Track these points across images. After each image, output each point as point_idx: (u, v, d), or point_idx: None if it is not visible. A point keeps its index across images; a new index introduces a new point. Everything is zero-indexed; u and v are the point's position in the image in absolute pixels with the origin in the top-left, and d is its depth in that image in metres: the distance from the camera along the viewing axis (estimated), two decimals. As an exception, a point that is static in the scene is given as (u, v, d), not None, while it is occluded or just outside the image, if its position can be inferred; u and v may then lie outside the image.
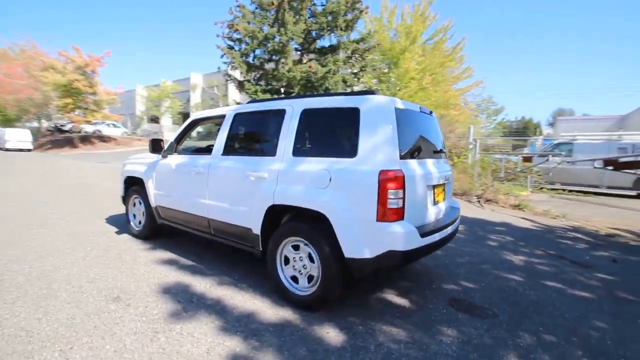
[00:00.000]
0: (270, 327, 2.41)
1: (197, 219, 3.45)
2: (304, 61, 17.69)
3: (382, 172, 2.25)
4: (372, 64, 16.79)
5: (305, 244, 2.61)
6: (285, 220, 2.92)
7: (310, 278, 2.63)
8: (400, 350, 2.20)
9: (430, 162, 2.78)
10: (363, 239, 2.31)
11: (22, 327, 2.30)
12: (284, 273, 2.77)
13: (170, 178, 3.78)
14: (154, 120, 35.45)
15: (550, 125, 61.84)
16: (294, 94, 16.31)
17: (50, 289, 2.87)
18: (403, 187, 2.27)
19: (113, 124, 25.86)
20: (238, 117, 3.29)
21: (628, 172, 7.87)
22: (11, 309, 2.53)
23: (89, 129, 23.22)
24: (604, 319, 2.74)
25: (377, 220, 2.26)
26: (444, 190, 2.97)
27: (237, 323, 2.45)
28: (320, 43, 18.05)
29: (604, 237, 5.47)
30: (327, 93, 3.06)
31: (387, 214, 2.24)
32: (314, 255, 2.56)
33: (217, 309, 2.65)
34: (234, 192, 3.07)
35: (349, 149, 2.45)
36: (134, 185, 4.44)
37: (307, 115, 2.76)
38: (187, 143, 4.33)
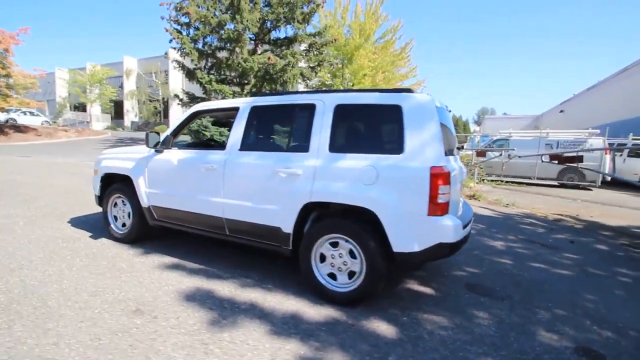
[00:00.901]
0: (321, 327, 2.37)
1: (209, 219, 3.21)
2: (259, 51, 17.21)
3: (433, 168, 2.34)
4: (329, 59, 16.92)
5: (346, 241, 2.61)
6: (313, 218, 2.86)
7: (351, 274, 2.63)
8: (451, 336, 2.34)
9: (458, 158, 2.95)
10: (413, 233, 2.39)
11: (39, 356, 1.95)
12: (320, 271, 2.73)
13: (171, 175, 3.44)
14: (79, 108, 31.57)
15: (476, 123, 68.83)
16: (250, 85, 15.77)
17: (48, 307, 2.46)
18: (449, 183, 2.39)
19: (30, 112, 22.37)
20: (256, 111, 3.11)
21: (571, 165, 9.16)
22: (11, 335, 2.12)
23: (0, 117, 19.75)
24: (590, 292, 3.21)
25: (428, 214, 2.35)
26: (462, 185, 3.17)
27: (285, 325, 2.37)
28: (274, 34, 17.69)
29: (553, 222, 6.32)
30: (358, 90, 3.04)
31: (437, 208, 2.35)
32: (357, 251, 2.57)
33: (256, 312, 2.52)
34: (259, 190, 2.92)
35: (394, 146, 2.49)
36: (114, 184, 3.96)
37: (341, 111, 2.72)
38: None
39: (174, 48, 14.99)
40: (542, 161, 10.31)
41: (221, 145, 3.21)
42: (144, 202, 3.62)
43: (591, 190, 11.53)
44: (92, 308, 2.47)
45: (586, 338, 2.42)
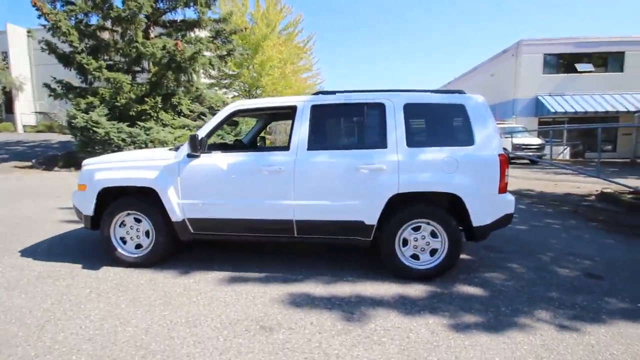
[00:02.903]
0: (433, 300, 2.71)
1: (274, 223, 3.07)
2: (151, 35, 15.24)
3: (500, 155, 2.91)
4: (240, 49, 16.21)
5: (427, 223, 2.98)
6: (385, 206, 3.05)
7: (432, 252, 3.03)
8: (517, 284, 3.00)
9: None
10: (487, 209, 2.93)
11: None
12: (404, 254, 3.04)
13: (217, 182, 3.09)
14: None
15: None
16: (151, 73, 13.85)
17: (158, 352, 2.07)
18: (509, 166, 3.02)
19: None
20: (318, 110, 3.10)
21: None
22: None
23: None
24: (549, 238, 4.43)
25: (499, 193, 2.93)
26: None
27: (405, 306, 2.61)
28: (170, 16, 15.89)
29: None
30: (417, 90, 3.32)
31: (504, 187, 2.95)
32: (438, 231, 2.98)
33: (370, 302, 2.67)
34: (338, 188, 2.98)
35: (466, 139, 2.96)
36: (119, 199, 3.29)
37: (410, 110, 3.03)
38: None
39: (43, 26, 11.88)
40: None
41: (248, 146, 3.07)
42: (177, 215, 3.15)
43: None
44: (212, 338, 2.19)
45: (580, 267, 3.45)
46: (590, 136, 18.55)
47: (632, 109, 16.41)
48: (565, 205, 6.52)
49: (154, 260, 3.29)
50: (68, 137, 18.76)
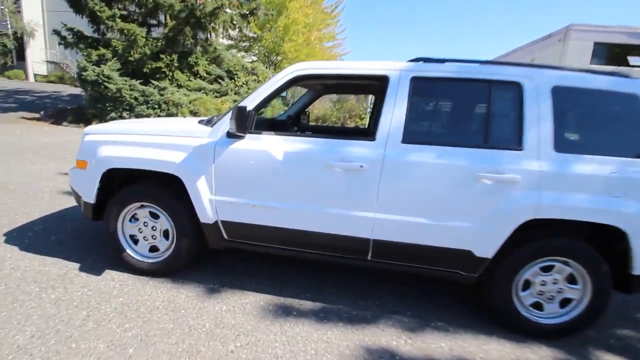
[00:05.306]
0: (577, 381, 1.87)
1: (343, 240, 2.20)
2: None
3: (691, 177, 1.95)
4: (263, 9, 14.78)
5: (565, 263, 2.08)
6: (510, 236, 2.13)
7: (563, 302, 2.15)
8: None
9: None
10: (658, 251, 2.01)
11: None
12: (523, 301, 2.16)
13: (265, 176, 2.19)
14: None
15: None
16: (167, 27, 12.67)
17: None
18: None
19: None
20: (420, 84, 2.12)
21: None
22: None
23: None
24: None
25: (677, 230, 2.00)
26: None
27: (542, 391, 1.77)
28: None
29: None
30: (573, 68, 2.32)
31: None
32: (581, 276, 2.08)
33: (486, 376, 1.84)
34: (443, 201, 2.06)
35: (639, 147, 2.00)
36: (130, 184, 2.43)
37: (561, 96, 2.04)
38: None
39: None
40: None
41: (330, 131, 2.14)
42: (208, 215, 2.29)
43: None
44: None
45: None
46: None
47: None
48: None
49: (173, 268, 2.48)
50: (79, 90, 17.89)
